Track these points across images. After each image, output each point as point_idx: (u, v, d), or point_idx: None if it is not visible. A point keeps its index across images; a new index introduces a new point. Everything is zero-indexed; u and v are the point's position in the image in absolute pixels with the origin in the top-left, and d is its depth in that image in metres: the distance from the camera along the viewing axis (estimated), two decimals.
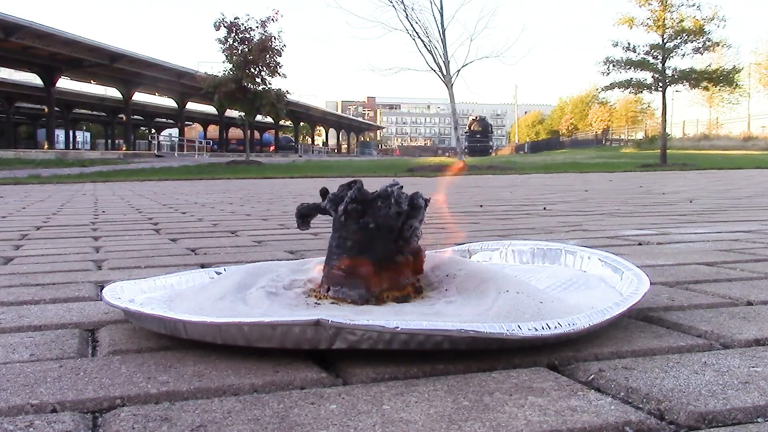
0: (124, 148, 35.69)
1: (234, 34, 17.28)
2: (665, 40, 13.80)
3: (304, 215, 0.95)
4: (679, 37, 13.71)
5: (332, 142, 72.49)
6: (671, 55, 13.86)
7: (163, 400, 0.62)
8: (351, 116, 78.29)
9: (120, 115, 38.72)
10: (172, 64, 30.67)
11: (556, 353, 0.73)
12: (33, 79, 29.12)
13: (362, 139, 73.76)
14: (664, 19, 13.65)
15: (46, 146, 29.30)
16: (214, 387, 0.65)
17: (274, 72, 17.46)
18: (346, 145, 67.05)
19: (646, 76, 14.33)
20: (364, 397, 0.62)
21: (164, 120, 49.35)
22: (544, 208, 3.15)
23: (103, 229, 2.43)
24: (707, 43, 13.81)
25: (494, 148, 53.33)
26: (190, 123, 50.42)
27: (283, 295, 0.87)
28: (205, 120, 48.08)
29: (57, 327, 0.91)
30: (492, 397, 0.61)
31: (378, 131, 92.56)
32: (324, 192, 0.93)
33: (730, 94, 32.12)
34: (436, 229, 1.90)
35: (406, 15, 13.69)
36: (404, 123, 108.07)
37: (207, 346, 0.76)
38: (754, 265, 1.35)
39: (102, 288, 1.04)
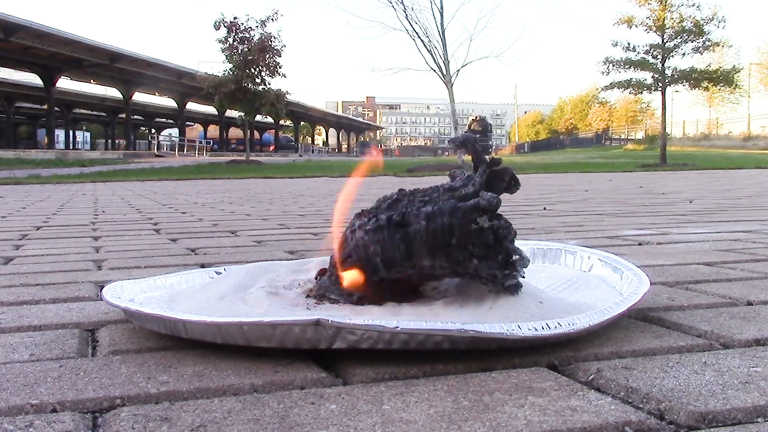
0: (123, 146, 35.70)
1: (234, 34, 17.28)
2: (665, 40, 13.80)
3: (464, 143, 0.86)
4: (678, 37, 13.71)
5: (332, 141, 72.53)
6: (671, 54, 13.86)
7: (163, 400, 0.62)
8: (351, 116, 78.32)
9: (120, 115, 38.72)
10: (172, 64, 30.70)
11: (556, 353, 0.73)
12: (33, 79, 29.12)
13: (362, 139, 73.76)
14: (663, 19, 13.65)
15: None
16: (214, 387, 0.65)
17: (274, 72, 17.47)
18: (346, 145, 67.07)
19: (646, 76, 14.34)
20: (364, 397, 0.62)
21: (164, 120, 49.36)
22: (544, 208, 3.15)
23: (103, 229, 2.43)
24: (707, 43, 13.81)
25: (494, 147, 53.34)
26: (191, 123, 50.42)
27: (283, 295, 0.87)
28: (205, 120, 48.09)
29: (57, 327, 0.91)
30: (492, 397, 0.61)
31: (378, 131, 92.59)
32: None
33: (730, 94, 32.17)
34: None
35: (406, 15, 13.69)
36: (404, 123, 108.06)
37: (207, 346, 0.76)
38: (754, 265, 1.35)
39: (102, 288, 1.04)
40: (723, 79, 14.39)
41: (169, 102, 39.89)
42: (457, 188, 0.83)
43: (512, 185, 0.83)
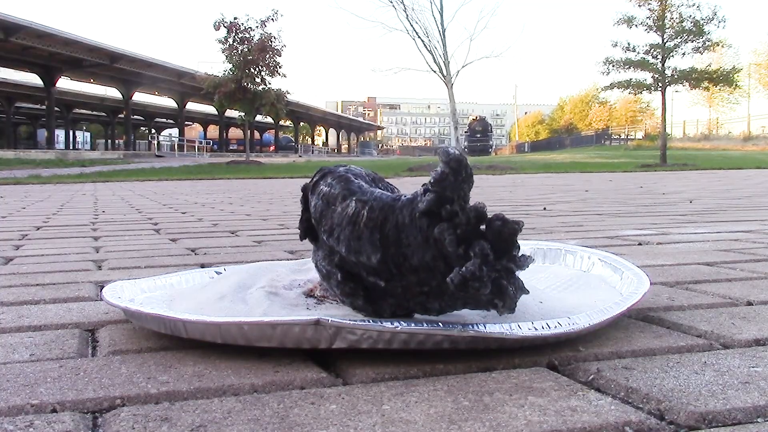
0: (123, 146, 35.71)
1: (234, 34, 17.29)
2: (665, 40, 13.80)
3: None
4: (678, 37, 13.70)
5: (332, 141, 72.45)
6: (671, 54, 13.86)
7: (163, 400, 0.62)
8: (351, 116, 78.28)
9: (120, 115, 38.72)
10: (172, 64, 30.69)
11: (556, 353, 0.73)
12: (33, 79, 29.12)
13: (362, 139, 73.75)
14: (663, 19, 13.65)
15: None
16: (214, 387, 0.65)
17: (274, 72, 17.47)
18: (346, 145, 67.03)
19: (646, 76, 14.34)
20: (364, 397, 0.62)
21: (164, 120, 49.34)
22: (544, 208, 3.15)
23: (103, 229, 2.43)
24: (707, 43, 13.81)
25: (494, 147, 53.33)
26: (190, 123, 50.42)
27: (283, 295, 0.87)
28: (205, 120, 48.07)
29: (57, 327, 0.91)
30: (492, 397, 0.61)
31: (378, 131, 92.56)
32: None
33: (730, 95, 32.20)
34: None
35: (406, 15, 13.71)
36: (404, 123, 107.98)
37: (207, 346, 0.76)
38: (754, 265, 1.35)
39: (102, 288, 1.04)
40: (723, 79, 14.39)
41: (169, 102, 39.88)
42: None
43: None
